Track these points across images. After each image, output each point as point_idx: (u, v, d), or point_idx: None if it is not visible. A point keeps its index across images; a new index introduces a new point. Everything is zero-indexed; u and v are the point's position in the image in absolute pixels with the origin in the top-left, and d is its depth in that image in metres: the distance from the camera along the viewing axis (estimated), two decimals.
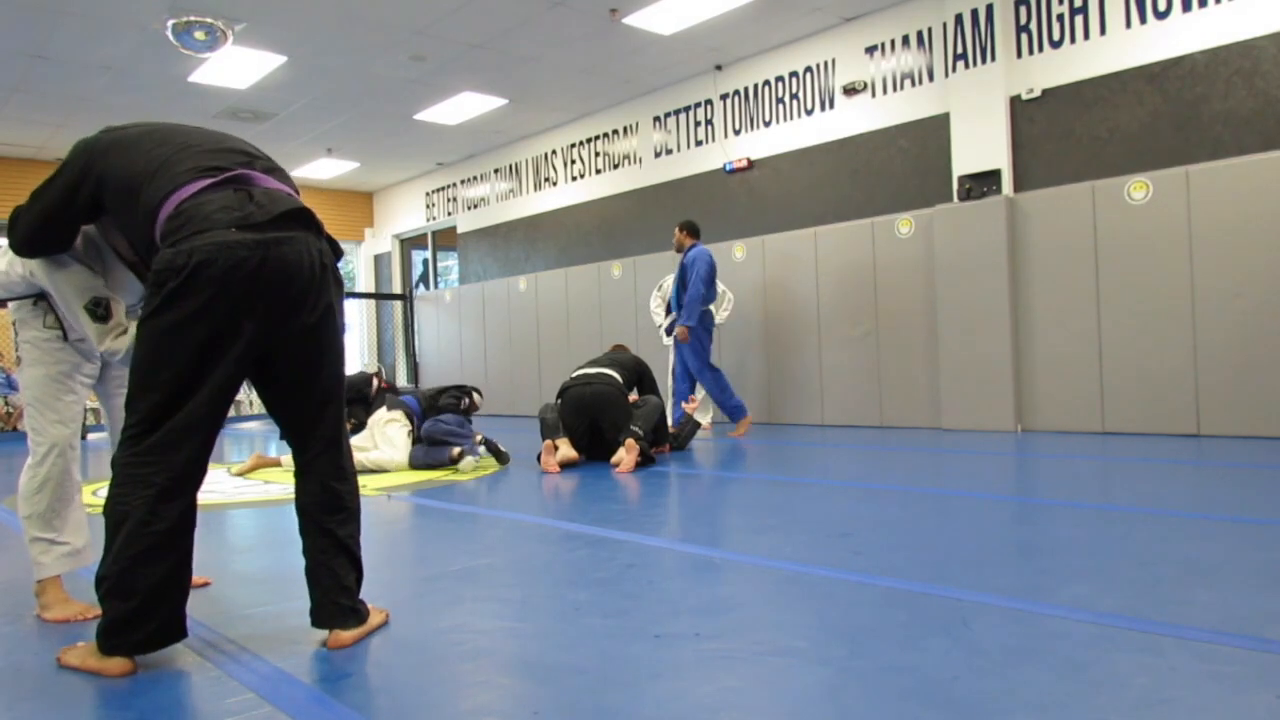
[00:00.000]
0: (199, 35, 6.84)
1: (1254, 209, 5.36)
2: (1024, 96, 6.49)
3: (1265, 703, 1.54)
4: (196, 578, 2.71)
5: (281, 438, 2.13)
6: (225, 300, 1.84)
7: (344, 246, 14.44)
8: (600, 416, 5.32)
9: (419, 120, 9.83)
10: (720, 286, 7.35)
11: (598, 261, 9.77)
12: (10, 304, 2.37)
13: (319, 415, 2.09)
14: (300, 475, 2.12)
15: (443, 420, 5.61)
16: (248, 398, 12.57)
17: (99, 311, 2.22)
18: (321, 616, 2.08)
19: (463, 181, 12.06)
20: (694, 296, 6.77)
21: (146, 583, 1.84)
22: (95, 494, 4.84)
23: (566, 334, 9.88)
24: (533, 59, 8.08)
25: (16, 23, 6.79)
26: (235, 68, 7.97)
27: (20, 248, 2.20)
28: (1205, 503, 3.57)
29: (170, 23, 6.73)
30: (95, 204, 2.09)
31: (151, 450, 1.85)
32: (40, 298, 2.33)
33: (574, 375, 5.57)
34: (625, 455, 5.03)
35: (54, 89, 8.37)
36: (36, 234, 2.16)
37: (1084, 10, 6.19)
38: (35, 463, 2.34)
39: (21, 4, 6.46)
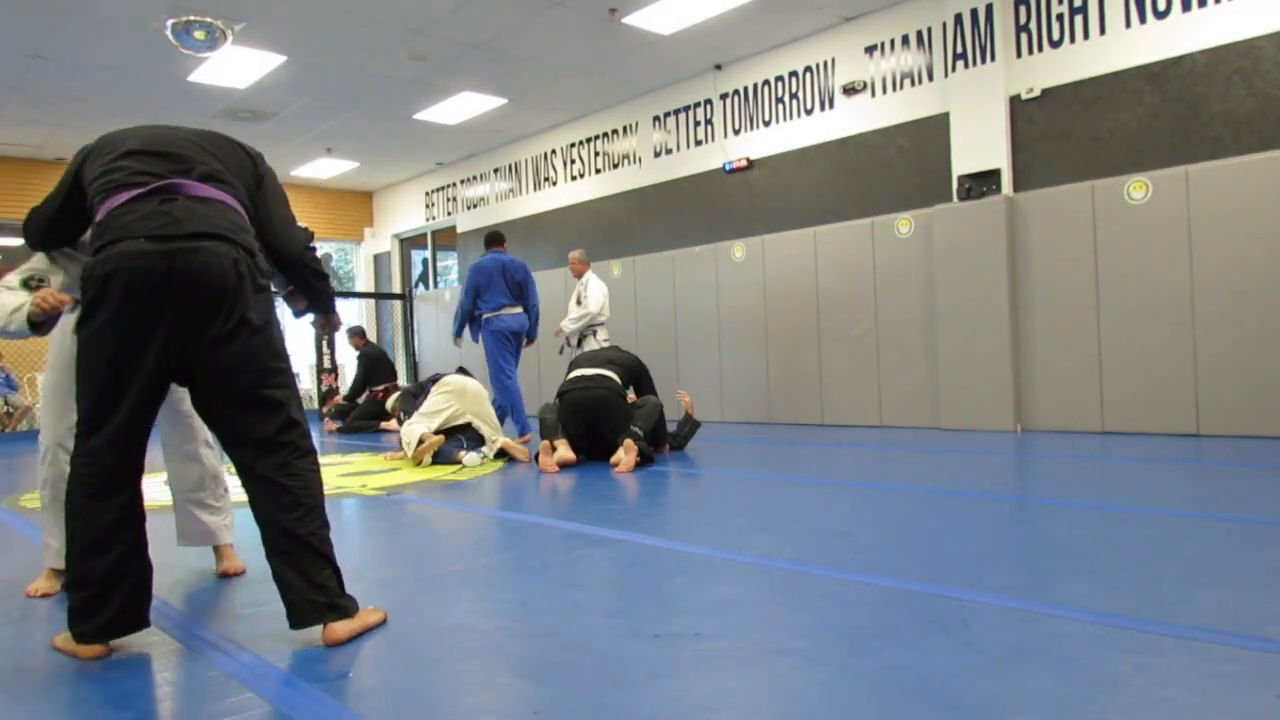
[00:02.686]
0: (199, 35, 6.83)
1: (1253, 209, 5.36)
2: (1024, 96, 6.48)
3: (1265, 702, 1.54)
4: (234, 564, 2.87)
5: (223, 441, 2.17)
6: (134, 308, 1.95)
7: (344, 246, 14.30)
8: (599, 419, 5.33)
9: (419, 120, 9.83)
10: (577, 302, 7.58)
11: (597, 261, 9.76)
12: None
13: (246, 420, 2.06)
14: (246, 481, 2.10)
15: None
16: None
17: (32, 284, 2.36)
18: (297, 616, 2.05)
19: (462, 181, 12.06)
20: (457, 309, 7.33)
21: (95, 573, 1.98)
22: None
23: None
24: (532, 59, 8.08)
25: (15, 22, 6.78)
26: (235, 67, 7.96)
27: (32, 236, 2.36)
28: (1205, 503, 3.57)
29: (170, 22, 6.73)
30: (81, 206, 2.20)
31: (89, 452, 2.00)
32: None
33: (572, 377, 5.57)
34: (624, 455, 5.03)
35: (53, 89, 8.36)
36: (41, 229, 2.33)
37: (1084, 10, 6.18)
38: (39, 461, 2.52)
39: (21, 4, 6.45)
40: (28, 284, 2.37)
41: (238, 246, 2.03)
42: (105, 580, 1.99)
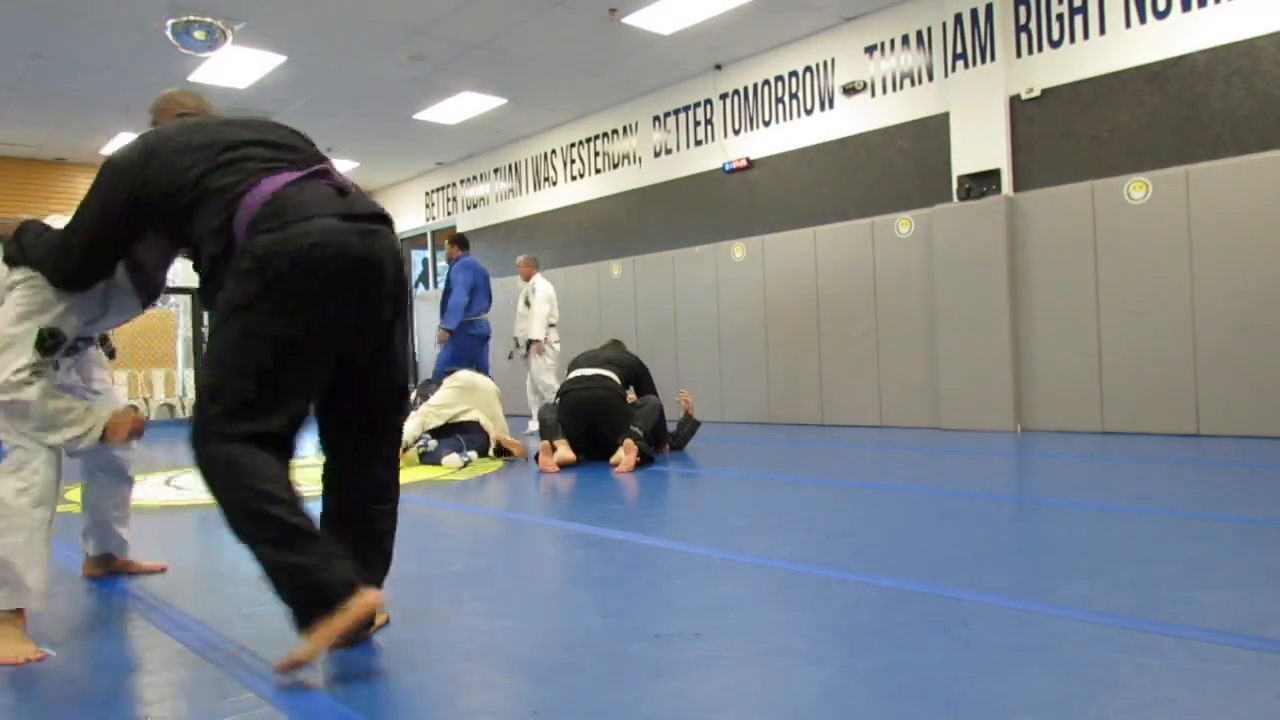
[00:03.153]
0: (198, 35, 6.84)
1: (1253, 209, 5.37)
2: (1024, 96, 6.48)
3: (1265, 703, 1.54)
4: (154, 563, 2.84)
5: (324, 428, 2.08)
6: (335, 285, 1.83)
7: None
8: (599, 420, 5.33)
9: (418, 120, 9.83)
10: (527, 305, 7.90)
11: (597, 261, 9.77)
12: None
13: (387, 404, 2.08)
14: (350, 463, 2.08)
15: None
16: None
17: (48, 343, 2.10)
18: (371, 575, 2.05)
19: (462, 181, 12.06)
20: (456, 304, 7.60)
21: (309, 542, 1.79)
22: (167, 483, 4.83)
23: (566, 334, 9.85)
24: (532, 59, 8.08)
25: (16, 22, 6.79)
26: (235, 67, 7.96)
27: (68, 280, 2.10)
28: (1205, 503, 3.57)
29: (170, 22, 6.73)
30: (142, 213, 1.99)
31: (250, 437, 1.81)
32: None
33: (572, 377, 5.57)
34: (624, 455, 5.03)
35: (53, 88, 8.36)
36: (87, 263, 2.07)
37: (1084, 10, 6.18)
38: (33, 470, 2.17)
39: (21, 4, 6.45)
40: (44, 345, 2.10)
41: (396, 237, 2.05)
42: (317, 535, 1.80)
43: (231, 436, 1.80)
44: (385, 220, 1.98)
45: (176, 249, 2.27)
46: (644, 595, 2.41)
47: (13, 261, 2.16)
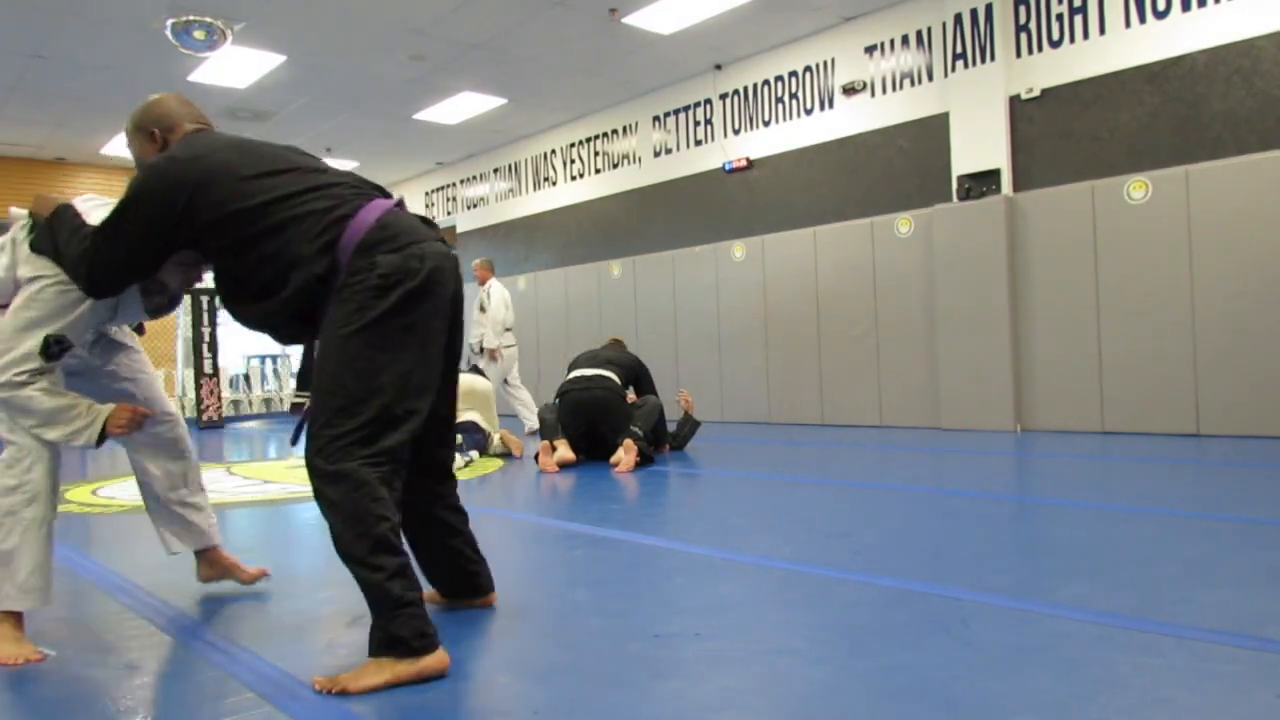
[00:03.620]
0: (198, 35, 6.84)
1: (1253, 208, 5.37)
2: (1023, 96, 6.48)
3: (1265, 703, 1.54)
4: (257, 569, 2.66)
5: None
6: (442, 303, 1.98)
7: None
8: (599, 420, 5.34)
9: (418, 120, 9.83)
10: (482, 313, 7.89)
11: (597, 261, 9.78)
12: None
13: (447, 415, 2.22)
14: (423, 476, 2.16)
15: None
16: (247, 397, 12.57)
17: (53, 350, 2.06)
18: (487, 583, 2.31)
19: (462, 181, 12.06)
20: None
21: (411, 581, 1.84)
22: (95, 493, 4.84)
23: (566, 334, 9.88)
24: (532, 59, 8.08)
25: (16, 22, 6.79)
26: (235, 67, 7.96)
27: (97, 289, 2.04)
28: (1205, 503, 3.57)
29: (170, 22, 6.73)
30: (190, 233, 1.96)
31: (379, 455, 1.85)
32: None
33: (572, 377, 5.57)
34: (624, 455, 5.03)
35: (53, 88, 8.36)
36: (122, 276, 2.03)
37: (1083, 10, 6.18)
38: (25, 468, 2.12)
39: (21, 4, 6.45)
40: (48, 351, 2.06)
41: None
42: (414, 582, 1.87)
43: (361, 458, 1.83)
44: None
45: (201, 269, 2.27)
46: (644, 595, 2.41)
47: (38, 250, 2.11)
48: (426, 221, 2.07)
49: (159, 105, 2.29)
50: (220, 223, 1.91)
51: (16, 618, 2.09)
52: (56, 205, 2.12)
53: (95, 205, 2.20)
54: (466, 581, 2.29)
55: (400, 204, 2.06)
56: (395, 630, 1.77)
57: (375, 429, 1.84)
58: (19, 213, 2.26)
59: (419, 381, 1.92)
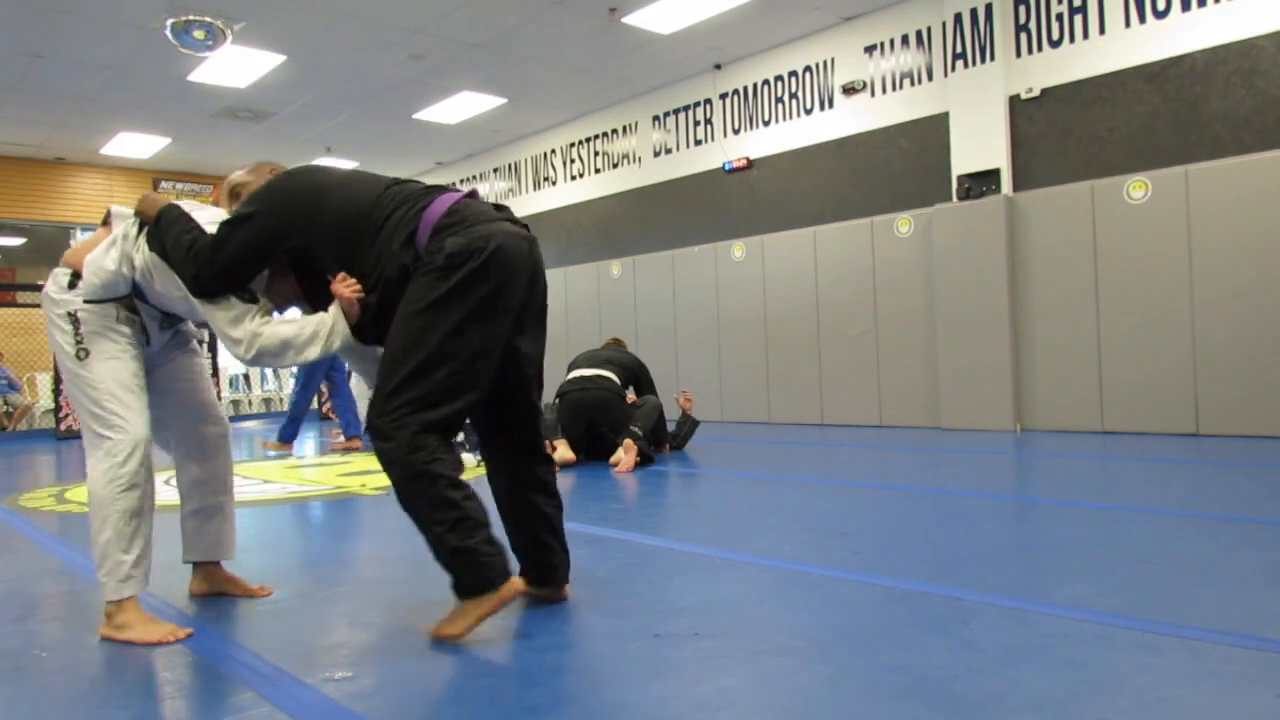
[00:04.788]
0: (198, 34, 6.83)
1: (1253, 208, 5.37)
2: (1023, 96, 6.49)
3: (1265, 702, 1.54)
4: (260, 586, 2.58)
5: (486, 422, 2.26)
6: (514, 282, 2.06)
7: None
8: (599, 420, 5.34)
9: (418, 119, 9.83)
10: None
11: (597, 261, 9.78)
12: (73, 289, 2.21)
13: (530, 397, 2.27)
14: (508, 453, 2.29)
15: None
16: (246, 397, 12.57)
17: (245, 297, 2.20)
18: (563, 575, 2.36)
19: (462, 181, 12.05)
20: None
21: (480, 519, 2.01)
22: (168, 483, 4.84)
23: (566, 333, 9.87)
24: (532, 58, 8.08)
25: (16, 22, 6.78)
26: (234, 67, 7.96)
27: (211, 288, 2.15)
28: (1205, 503, 3.58)
29: (169, 22, 6.72)
30: (298, 240, 2.15)
31: (438, 424, 1.99)
32: (123, 302, 2.23)
33: (571, 377, 5.57)
34: (624, 455, 5.03)
35: (53, 88, 8.36)
36: (230, 273, 2.14)
37: (1083, 10, 6.18)
38: (117, 463, 2.14)
39: (21, 4, 6.45)
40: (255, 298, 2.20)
41: None
42: (488, 521, 2.02)
43: (422, 422, 1.97)
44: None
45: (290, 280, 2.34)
46: (644, 595, 2.41)
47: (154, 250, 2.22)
48: (499, 207, 2.17)
49: (251, 169, 2.43)
50: (331, 229, 2.11)
51: (136, 601, 2.17)
52: (162, 205, 2.24)
53: (193, 208, 2.28)
54: (543, 571, 2.34)
55: (473, 194, 2.19)
56: (457, 575, 1.99)
57: (435, 398, 1.98)
58: (123, 211, 2.33)
59: (479, 355, 2.02)
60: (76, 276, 2.22)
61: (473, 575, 1.98)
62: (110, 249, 2.23)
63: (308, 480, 5.20)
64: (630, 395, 5.71)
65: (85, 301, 2.20)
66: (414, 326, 1.99)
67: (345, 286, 2.10)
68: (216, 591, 2.53)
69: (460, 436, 5.76)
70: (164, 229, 2.18)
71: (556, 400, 5.51)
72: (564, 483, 4.67)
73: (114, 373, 2.19)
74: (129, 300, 2.25)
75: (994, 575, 2.49)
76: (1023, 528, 3.27)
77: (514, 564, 2.13)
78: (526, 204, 11.04)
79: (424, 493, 1.96)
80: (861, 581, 2.45)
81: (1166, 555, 2.63)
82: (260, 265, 2.18)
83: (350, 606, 2.39)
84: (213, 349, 10.35)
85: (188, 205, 2.27)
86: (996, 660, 1.80)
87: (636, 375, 5.81)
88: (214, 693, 1.80)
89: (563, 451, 5.19)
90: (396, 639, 2.10)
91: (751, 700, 1.66)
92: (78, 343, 2.19)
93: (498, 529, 2.12)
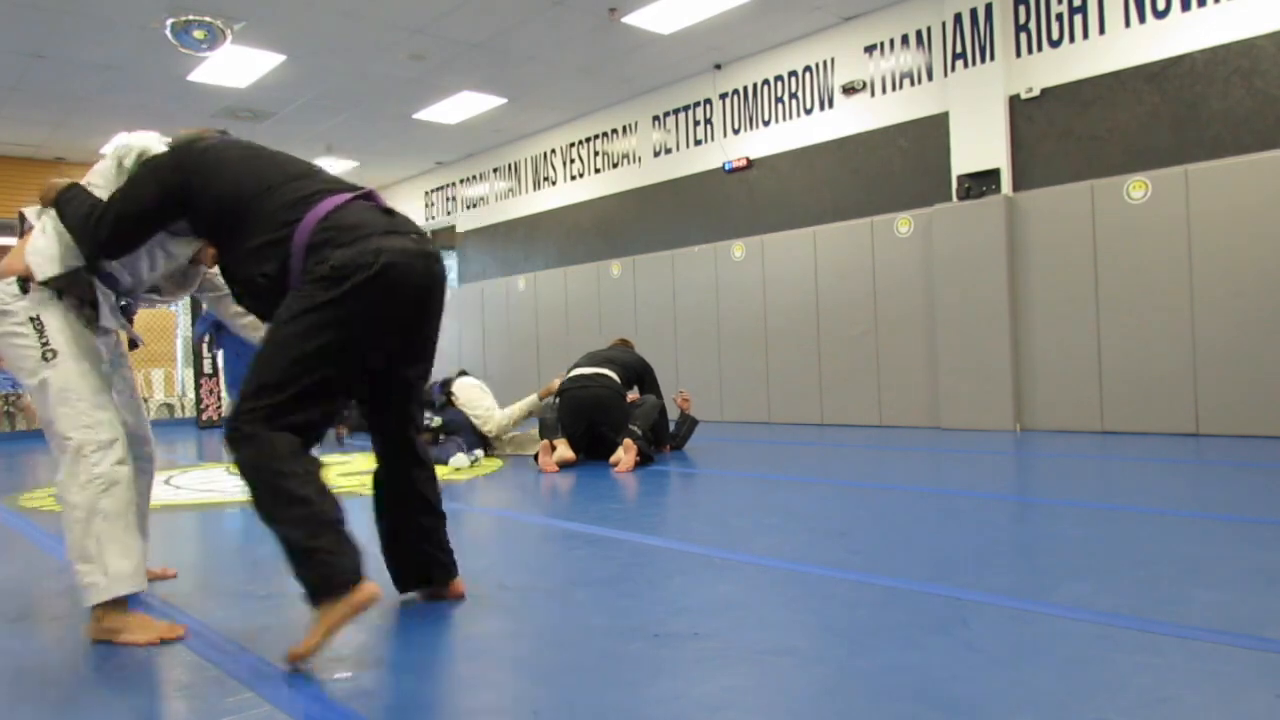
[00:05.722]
0: (198, 34, 6.83)
1: (1253, 208, 5.37)
2: (1023, 96, 6.48)
3: (1265, 702, 1.54)
4: (166, 569, 2.71)
5: (370, 422, 2.27)
6: (397, 300, 2.01)
7: None
8: (599, 419, 5.33)
9: (418, 119, 9.83)
10: None
11: (597, 261, 9.78)
12: (29, 294, 2.16)
13: (411, 407, 2.28)
14: (391, 455, 2.28)
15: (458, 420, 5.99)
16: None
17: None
18: (439, 575, 2.33)
19: (462, 181, 12.05)
20: None
21: (333, 513, 1.92)
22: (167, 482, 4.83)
23: (566, 333, 9.88)
24: (532, 58, 8.08)
25: (15, 22, 6.78)
26: (234, 67, 7.96)
27: (104, 249, 2.16)
28: (1205, 503, 3.58)
29: (169, 22, 6.72)
30: (181, 212, 2.16)
31: (294, 426, 1.94)
32: (69, 285, 2.19)
33: (571, 375, 5.57)
34: (624, 455, 5.03)
35: (52, 88, 8.36)
36: (125, 236, 2.16)
37: (1083, 10, 6.18)
38: (91, 463, 2.10)
39: (21, 4, 6.45)
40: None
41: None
42: (342, 521, 1.92)
43: (275, 424, 1.93)
44: (427, 239, 2.16)
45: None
46: (644, 595, 2.41)
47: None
48: (390, 212, 2.10)
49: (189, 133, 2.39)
50: (212, 212, 2.11)
51: (126, 603, 2.13)
52: (61, 187, 2.24)
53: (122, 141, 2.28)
54: (420, 573, 2.33)
55: (368, 195, 2.12)
56: (305, 579, 1.86)
57: (292, 405, 1.94)
58: (32, 210, 2.34)
59: (345, 369, 2.01)
60: (26, 281, 2.17)
61: (319, 576, 1.84)
62: (40, 234, 2.22)
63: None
64: (632, 395, 5.71)
65: (53, 283, 2.16)
66: (284, 334, 1.95)
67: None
68: None
69: (439, 431, 5.82)
70: (63, 206, 2.19)
71: (557, 399, 5.51)
72: (564, 483, 4.67)
73: (83, 373, 2.15)
74: (89, 289, 2.22)
75: (994, 575, 2.49)
76: (1023, 528, 3.27)
77: (374, 569, 2.01)
78: (526, 204, 11.05)
79: (272, 491, 1.89)
80: (861, 581, 2.45)
81: (1166, 555, 2.63)
82: (146, 229, 2.17)
83: None
84: (212, 349, 10.35)
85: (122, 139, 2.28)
86: (996, 660, 1.80)
87: (639, 375, 5.81)
88: (214, 693, 1.80)
89: (562, 451, 5.19)
90: (396, 639, 2.10)
91: (751, 700, 1.66)
92: (43, 345, 2.14)
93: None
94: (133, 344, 2.61)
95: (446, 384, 6.22)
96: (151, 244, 2.28)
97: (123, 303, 2.40)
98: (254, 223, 2.05)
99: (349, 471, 5.57)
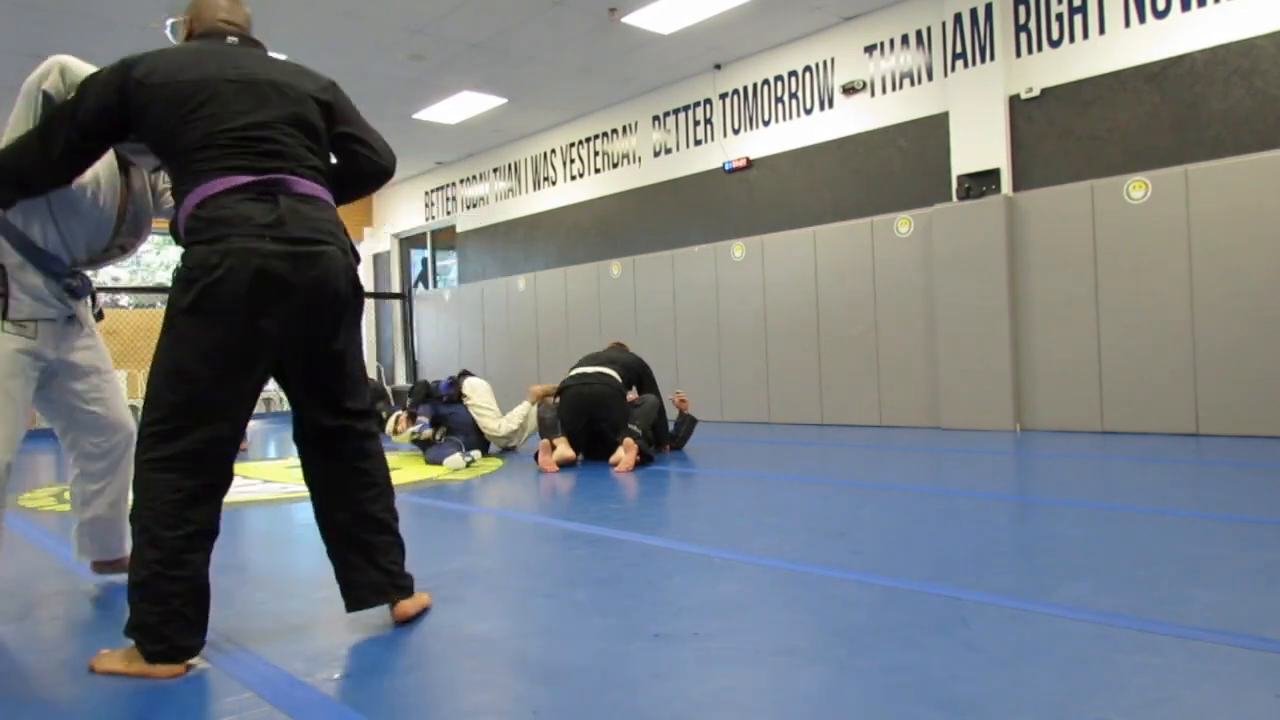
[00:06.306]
0: None
1: (1253, 208, 5.37)
2: (1023, 96, 6.48)
3: (1265, 703, 1.54)
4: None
5: (299, 444, 2.16)
6: (256, 304, 1.85)
7: None
8: (599, 417, 5.33)
9: (418, 119, 9.83)
10: None
11: (597, 261, 9.77)
12: None
13: (332, 410, 2.11)
14: (319, 465, 2.15)
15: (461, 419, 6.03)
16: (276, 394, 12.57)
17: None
18: (375, 594, 2.13)
19: (462, 181, 12.05)
20: None
21: (177, 587, 1.85)
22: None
23: (566, 333, 9.88)
24: (532, 58, 8.08)
25: (15, 22, 6.78)
26: None
27: (59, 163, 1.99)
28: (1205, 503, 3.58)
29: (169, 22, 6.70)
30: (125, 129, 1.98)
31: (177, 457, 1.84)
32: None
33: (572, 374, 5.58)
34: (624, 454, 5.03)
35: None
36: (67, 144, 1.97)
37: (1083, 9, 6.18)
38: None
39: (21, 3, 6.45)
40: None
41: (347, 253, 2.04)
42: (187, 594, 1.86)
43: (154, 460, 1.85)
44: (327, 242, 1.96)
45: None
46: (644, 595, 2.40)
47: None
48: (276, 209, 1.89)
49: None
50: (147, 130, 1.95)
51: None
52: None
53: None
54: (344, 588, 2.16)
55: (265, 184, 1.91)
56: (134, 622, 1.85)
57: (169, 428, 1.85)
58: None
59: (216, 387, 1.86)
60: None
61: (138, 634, 1.85)
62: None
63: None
64: (631, 395, 5.71)
65: None
66: (161, 340, 1.88)
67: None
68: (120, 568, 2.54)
69: (441, 435, 5.82)
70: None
71: (557, 397, 5.52)
72: (564, 483, 4.67)
73: None
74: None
75: (994, 575, 2.49)
76: (1023, 528, 3.26)
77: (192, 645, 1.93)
78: (526, 204, 11.05)
79: (140, 535, 1.84)
80: (861, 581, 2.45)
81: (1166, 555, 2.63)
82: (93, 146, 2.01)
83: None
84: None
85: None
86: (996, 660, 1.80)
87: (639, 375, 5.81)
88: (214, 693, 1.80)
89: (562, 449, 5.19)
90: (396, 639, 2.10)
91: (751, 700, 1.66)
92: None
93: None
94: (99, 315, 2.51)
95: (456, 380, 6.23)
96: (89, 189, 2.17)
97: (72, 283, 2.27)
98: (173, 163, 1.96)
99: None
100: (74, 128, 1.95)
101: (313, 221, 1.95)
